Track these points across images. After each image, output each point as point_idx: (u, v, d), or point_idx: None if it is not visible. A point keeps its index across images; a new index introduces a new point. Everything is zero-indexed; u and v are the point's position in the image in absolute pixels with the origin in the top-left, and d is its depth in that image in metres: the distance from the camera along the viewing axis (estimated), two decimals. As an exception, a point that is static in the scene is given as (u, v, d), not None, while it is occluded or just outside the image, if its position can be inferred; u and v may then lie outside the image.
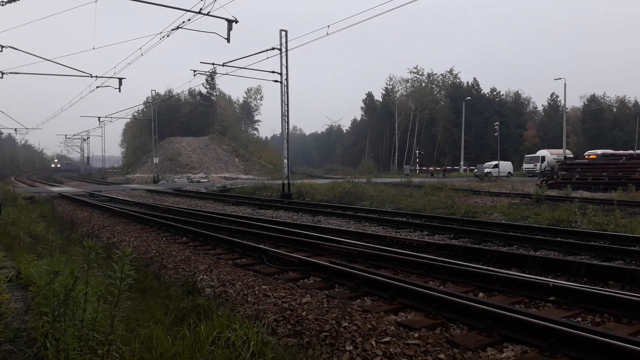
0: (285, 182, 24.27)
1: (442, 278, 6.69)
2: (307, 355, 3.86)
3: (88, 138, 78.08)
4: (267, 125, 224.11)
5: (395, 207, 17.84)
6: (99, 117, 50.48)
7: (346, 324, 4.50)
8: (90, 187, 37.49)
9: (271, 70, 24.62)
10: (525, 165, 49.88)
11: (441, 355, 3.88)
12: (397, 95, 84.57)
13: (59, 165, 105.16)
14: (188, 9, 15.97)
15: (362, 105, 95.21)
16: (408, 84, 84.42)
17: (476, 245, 9.12)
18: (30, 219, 12.72)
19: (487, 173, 45.08)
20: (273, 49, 22.97)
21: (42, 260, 5.44)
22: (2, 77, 22.35)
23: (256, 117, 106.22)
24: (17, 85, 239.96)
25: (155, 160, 48.19)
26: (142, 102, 73.91)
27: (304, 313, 4.92)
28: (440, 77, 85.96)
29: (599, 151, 40.27)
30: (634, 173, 24.40)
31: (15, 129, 59.22)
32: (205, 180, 48.75)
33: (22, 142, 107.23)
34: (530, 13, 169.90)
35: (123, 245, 9.87)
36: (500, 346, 4.24)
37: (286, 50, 23.85)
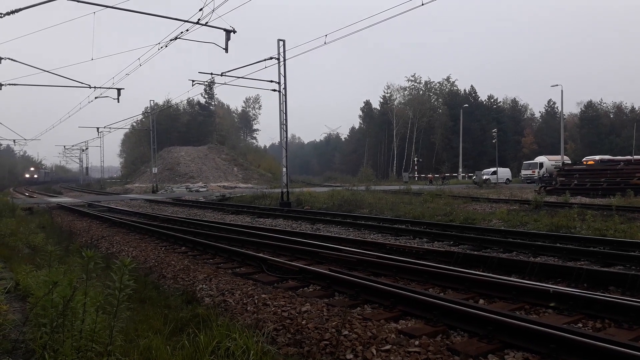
0: (284, 190, 24.26)
1: (442, 285, 6.67)
2: (307, 364, 3.83)
3: (87, 149, 78.09)
4: (266, 134, 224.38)
5: (394, 214, 17.82)
6: (98, 128, 50.64)
7: (346, 333, 4.48)
8: (89, 197, 37.43)
9: (269, 79, 24.74)
10: (523, 172, 49.94)
11: (442, 363, 3.86)
12: (395, 103, 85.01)
13: (35, 176, 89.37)
14: (186, 19, 16.06)
15: (360, 113, 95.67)
16: (406, 92, 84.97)
17: (476, 252, 9.11)
18: (28, 230, 12.68)
19: (486, 180, 45.11)
20: (271, 58, 23.09)
21: (40, 271, 5.43)
22: (0, 89, 22.40)
23: (255, 126, 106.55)
24: (15, 97, 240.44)
25: (154, 170, 48.17)
26: (141, 113, 74.14)
27: (303, 322, 4.89)
28: (438, 84, 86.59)
29: (597, 157, 40.33)
30: (632, 178, 24.41)
31: (14, 140, 58.98)
32: (204, 189, 48.71)
33: (21, 153, 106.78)
34: (526, 20, 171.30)
35: (122, 255, 9.84)
36: (502, 353, 4.22)
37: (284, 60, 23.97)
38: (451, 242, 10.77)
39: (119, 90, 24.00)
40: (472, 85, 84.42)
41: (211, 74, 24.74)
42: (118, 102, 24.33)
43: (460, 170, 61.74)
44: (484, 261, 7.81)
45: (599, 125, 76.58)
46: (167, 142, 72.32)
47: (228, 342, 3.84)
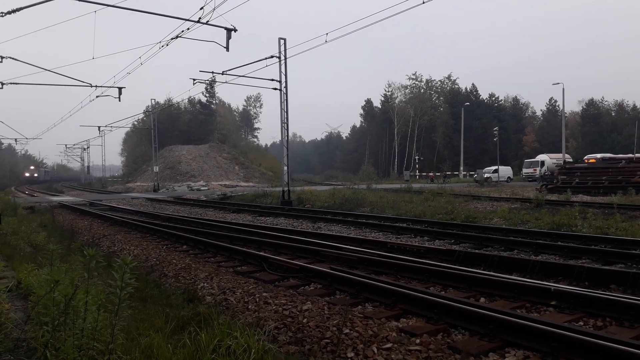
0: (285, 189, 24.27)
1: (443, 283, 6.68)
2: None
3: (88, 147, 78.17)
4: (267, 132, 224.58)
5: (395, 213, 17.82)
6: (99, 127, 50.72)
7: (347, 331, 4.49)
8: (91, 196, 37.48)
9: (270, 78, 24.72)
10: (524, 170, 49.92)
11: (443, 361, 3.87)
12: (396, 101, 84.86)
13: (35, 175, 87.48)
14: (187, 18, 16.06)
15: (361, 111, 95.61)
16: (407, 90, 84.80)
17: (477, 251, 9.11)
18: (30, 229, 12.70)
19: (487, 178, 45.07)
20: (272, 57, 23.07)
21: (42, 269, 5.44)
22: (2, 88, 22.41)
23: (256, 125, 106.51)
24: (17, 96, 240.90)
25: (156, 168, 48.21)
26: (142, 111, 74.19)
27: (305, 320, 4.90)
28: (439, 83, 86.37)
29: (599, 155, 40.24)
30: (633, 176, 24.39)
31: (16, 139, 59.18)
32: (206, 188, 48.75)
33: (23, 152, 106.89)
34: (527, 18, 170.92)
35: (123, 253, 9.86)
36: (503, 351, 4.22)
37: (285, 59, 23.96)
38: (452, 241, 10.77)
39: (120, 89, 24.00)
40: (473, 84, 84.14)
41: (212, 72, 24.77)
42: (119, 100, 24.34)
43: (462, 168, 61.67)
44: (485, 259, 7.81)
45: (600, 123, 76.34)
46: (168, 141, 72.37)
47: (229, 340, 3.85)
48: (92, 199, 31.81)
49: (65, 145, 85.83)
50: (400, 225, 13.63)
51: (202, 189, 47.47)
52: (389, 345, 4.20)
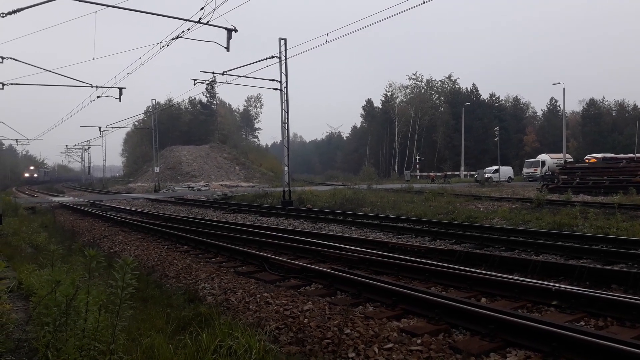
0: (286, 189, 24.28)
1: (444, 284, 6.67)
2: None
3: (89, 148, 78.28)
4: (268, 132, 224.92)
5: (396, 213, 17.81)
6: (100, 127, 50.84)
7: (348, 331, 4.49)
8: (92, 196, 37.48)
9: (271, 78, 24.74)
10: (525, 170, 49.92)
11: (444, 361, 3.86)
12: (397, 101, 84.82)
13: (35, 175, 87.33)
14: (187, 18, 16.08)
15: (362, 111, 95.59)
16: (407, 90, 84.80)
17: (478, 251, 9.11)
18: (31, 229, 12.72)
19: (488, 178, 45.04)
20: (272, 57, 23.07)
21: (43, 270, 5.45)
22: (2, 89, 22.44)
23: (256, 125, 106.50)
24: (17, 96, 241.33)
25: (156, 169, 48.23)
26: (143, 112, 74.23)
27: (306, 320, 4.90)
28: (439, 83, 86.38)
29: (599, 155, 40.22)
30: (634, 176, 24.36)
31: (17, 140, 59.37)
32: (206, 188, 48.75)
33: (23, 152, 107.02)
34: (527, 18, 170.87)
35: (124, 254, 9.87)
36: (504, 351, 4.22)
37: (285, 59, 23.97)
38: (453, 241, 10.77)
39: (120, 89, 24.03)
40: (473, 84, 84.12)
41: (213, 72, 24.79)
42: (120, 101, 24.40)
43: (462, 168, 61.63)
44: (486, 259, 7.80)
45: (601, 123, 76.27)
46: (169, 142, 72.40)
47: (230, 340, 3.85)
48: (93, 199, 31.81)
49: (66, 145, 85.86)
50: (401, 225, 13.62)
51: (202, 189, 47.48)
52: (390, 345, 4.20)
